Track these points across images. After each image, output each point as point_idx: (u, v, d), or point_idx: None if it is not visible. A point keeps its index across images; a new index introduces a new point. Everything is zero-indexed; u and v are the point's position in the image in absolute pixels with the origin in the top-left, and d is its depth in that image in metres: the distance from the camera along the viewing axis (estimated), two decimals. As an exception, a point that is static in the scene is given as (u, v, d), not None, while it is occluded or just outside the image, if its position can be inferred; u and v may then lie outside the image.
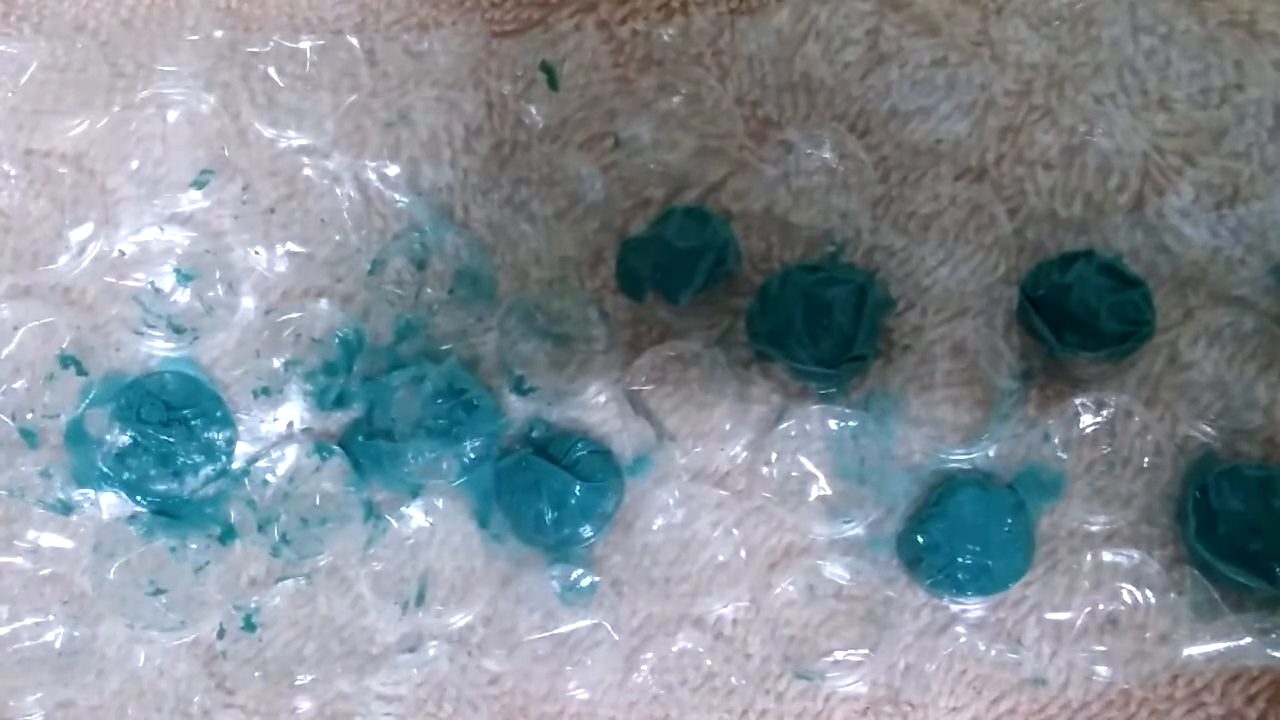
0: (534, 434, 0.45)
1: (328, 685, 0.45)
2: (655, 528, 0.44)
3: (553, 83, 0.46)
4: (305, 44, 0.47)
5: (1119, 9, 0.44)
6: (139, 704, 0.45)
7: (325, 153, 0.47)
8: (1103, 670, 0.42)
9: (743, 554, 0.44)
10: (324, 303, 0.46)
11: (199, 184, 0.47)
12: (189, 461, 0.45)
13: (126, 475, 0.45)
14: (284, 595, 0.45)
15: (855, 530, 0.44)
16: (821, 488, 0.44)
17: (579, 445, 0.44)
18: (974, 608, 0.43)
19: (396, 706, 0.45)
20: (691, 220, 0.44)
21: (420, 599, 0.45)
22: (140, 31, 0.47)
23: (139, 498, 0.45)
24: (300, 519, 0.45)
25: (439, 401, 0.45)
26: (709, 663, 0.44)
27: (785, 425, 0.44)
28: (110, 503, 0.46)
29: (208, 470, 0.45)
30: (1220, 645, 0.42)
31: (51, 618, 0.45)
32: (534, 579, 0.44)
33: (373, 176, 0.46)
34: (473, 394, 0.45)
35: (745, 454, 0.44)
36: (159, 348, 0.46)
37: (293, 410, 0.46)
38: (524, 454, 0.44)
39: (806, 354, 0.43)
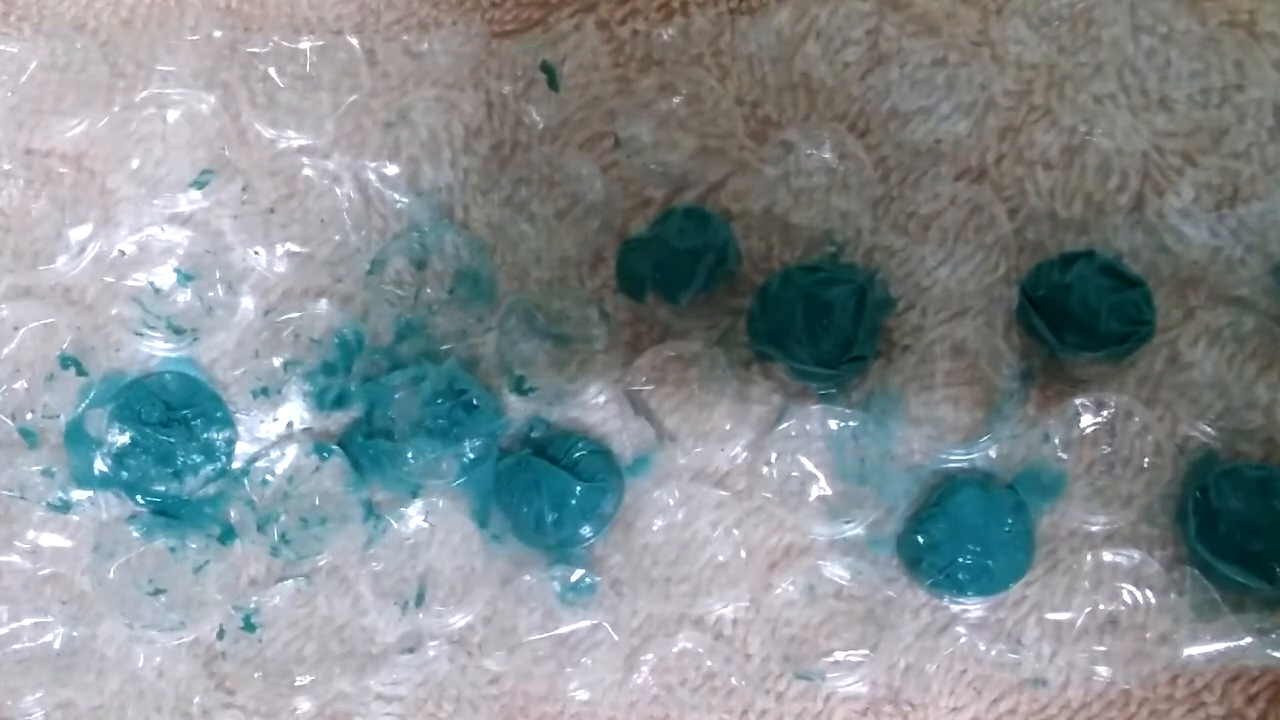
0: (534, 434, 0.45)
1: (328, 685, 0.45)
2: (655, 528, 0.44)
3: (553, 83, 0.46)
4: (305, 44, 0.47)
5: (1119, 9, 0.44)
6: (139, 704, 0.45)
7: (325, 153, 0.47)
8: (1103, 670, 0.42)
9: (743, 554, 0.44)
10: (324, 303, 0.46)
11: (199, 184, 0.47)
12: (189, 461, 0.45)
13: (126, 475, 0.45)
14: (284, 595, 0.45)
15: (855, 530, 0.44)
16: (821, 488, 0.44)
17: (579, 445, 0.44)
18: (974, 608, 0.43)
19: (396, 706, 0.45)
20: (691, 220, 0.45)
21: (420, 599, 0.45)
22: (140, 31, 0.47)
23: (139, 498, 0.45)
24: (300, 519, 0.45)
25: (439, 401, 0.45)
26: (709, 663, 0.44)
27: (785, 425, 0.44)
28: (110, 503, 0.46)
29: (207, 470, 0.45)
30: (1220, 645, 0.42)
31: (51, 618, 0.45)
32: (534, 579, 0.44)
33: (373, 176, 0.46)
34: (473, 394, 0.45)
35: (745, 454, 0.44)
36: (159, 348, 0.46)
37: (292, 410, 0.46)
38: (524, 454, 0.44)
39: (806, 354, 0.43)
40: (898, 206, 0.45)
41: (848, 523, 0.44)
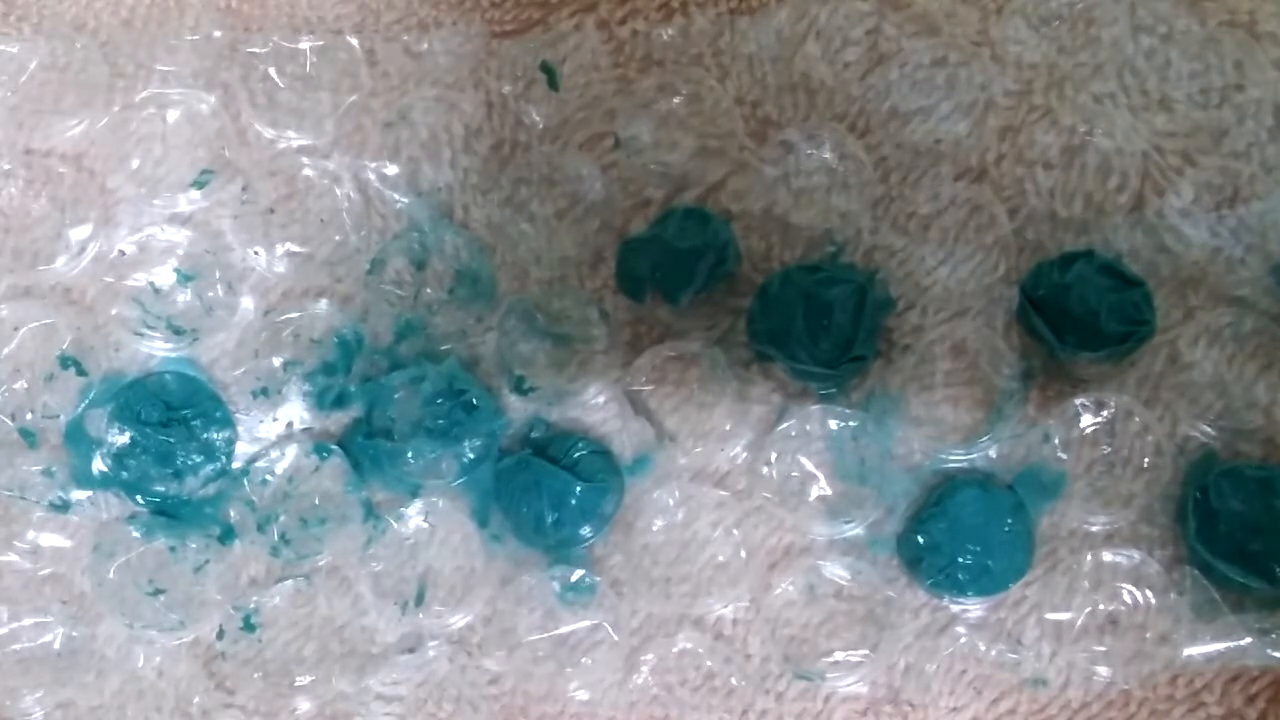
0: (534, 434, 0.45)
1: (328, 685, 0.45)
2: (655, 528, 0.44)
3: (553, 83, 0.46)
4: (305, 44, 0.47)
5: (1119, 9, 0.44)
6: (139, 704, 0.45)
7: (325, 153, 0.47)
8: (1103, 670, 0.42)
9: (743, 554, 0.44)
10: (323, 303, 0.46)
11: (199, 184, 0.47)
12: (188, 461, 0.45)
13: (126, 475, 0.45)
14: (284, 595, 0.45)
15: (855, 530, 0.44)
16: (821, 488, 0.44)
17: (579, 445, 0.44)
18: (974, 608, 0.43)
19: (396, 706, 0.45)
20: (691, 220, 0.44)
21: (420, 599, 0.45)
22: (140, 31, 0.47)
23: (139, 498, 0.45)
24: (300, 519, 0.45)
25: (439, 401, 0.45)
26: (709, 663, 0.44)
27: (785, 425, 0.44)
28: (110, 503, 0.46)
29: (207, 470, 0.45)
30: (1220, 645, 0.42)
31: (51, 618, 0.45)
32: (534, 579, 0.44)
33: (373, 176, 0.46)
34: (473, 394, 0.45)
35: (745, 454, 0.44)
36: (159, 348, 0.46)
37: (292, 410, 0.46)
38: (524, 454, 0.44)
39: (806, 354, 0.43)
40: (898, 206, 0.45)
41: (848, 523, 0.44)
